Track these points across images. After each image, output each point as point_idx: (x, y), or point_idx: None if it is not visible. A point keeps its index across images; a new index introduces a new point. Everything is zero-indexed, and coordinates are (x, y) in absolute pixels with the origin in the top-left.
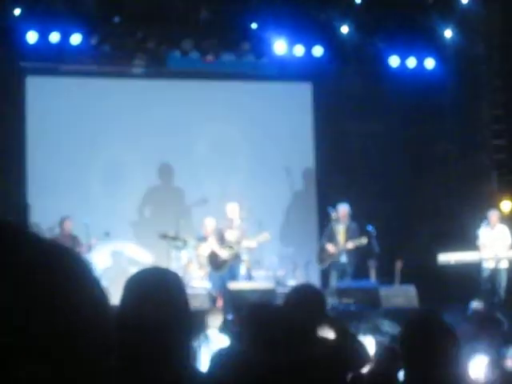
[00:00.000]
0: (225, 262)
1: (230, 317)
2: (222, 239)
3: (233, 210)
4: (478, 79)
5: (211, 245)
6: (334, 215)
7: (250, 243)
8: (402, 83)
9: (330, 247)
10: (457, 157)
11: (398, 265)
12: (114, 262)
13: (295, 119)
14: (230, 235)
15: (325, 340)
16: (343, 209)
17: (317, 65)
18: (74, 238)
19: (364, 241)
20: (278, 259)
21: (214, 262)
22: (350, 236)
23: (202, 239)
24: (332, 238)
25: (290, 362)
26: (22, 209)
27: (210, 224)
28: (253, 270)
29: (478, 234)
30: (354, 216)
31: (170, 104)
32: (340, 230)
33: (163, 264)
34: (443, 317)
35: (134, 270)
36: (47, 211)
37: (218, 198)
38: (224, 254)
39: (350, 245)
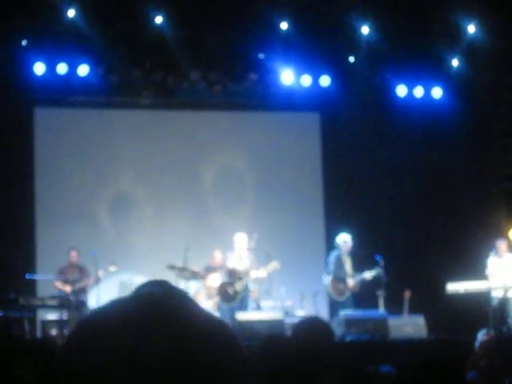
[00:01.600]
0: (236, 295)
1: None
2: (231, 271)
3: (241, 240)
4: (485, 108)
5: (221, 277)
6: (342, 246)
7: (260, 273)
8: (410, 112)
9: (351, 282)
10: (465, 185)
11: (407, 294)
12: (121, 294)
13: (303, 149)
14: (240, 266)
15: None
16: (348, 239)
17: (324, 95)
18: (81, 269)
19: (377, 271)
20: (285, 289)
21: (225, 294)
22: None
23: (210, 270)
24: (341, 268)
25: None
26: (30, 241)
27: (218, 256)
28: (261, 301)
29: (487, 263)
30: (363, 245)
31: (177, 135)
32: (346, 261)
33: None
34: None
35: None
36: (55, 241)
37: (226, 228)
38: (235, 287)
39: (368, 275)
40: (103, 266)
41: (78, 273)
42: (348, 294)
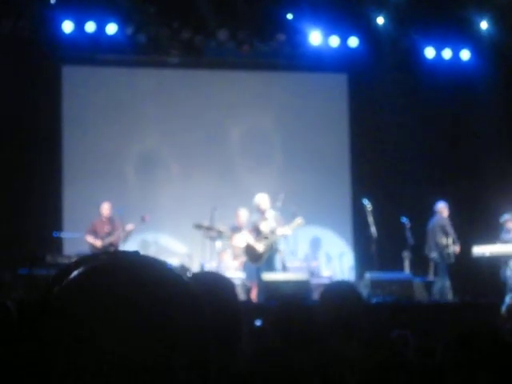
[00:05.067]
0: (262, 254)
1: (258, 323)
2: (257, 231)
3: (263, 200)
4: None
5: (247, 238)
6: (368, 206)
7: (284, 230)
8: (438, 74)
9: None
10: (494, 150)
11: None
12: (145, 252)
13: (330, 110)
14: (264, 226)
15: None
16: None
17: (352, 56)
18: (112, 222)
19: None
20: (312, 250)
21: (252, 255)
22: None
23: (236, 229)
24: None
25: (320, 360)
26: (57, 199)
27: (242, 214)
28: (287, 261)
29: None
30: (389, 207)
31: (205, 94)
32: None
33: (197, 254)
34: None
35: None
36: (82, 199)
37: (253, 188)
38: (260, 247)
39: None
40: (132, 221)
41: (109, 226)
42: None
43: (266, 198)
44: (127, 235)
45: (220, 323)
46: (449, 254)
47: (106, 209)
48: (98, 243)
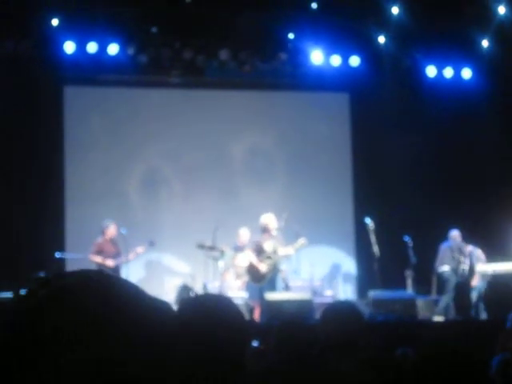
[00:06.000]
0: (265, 274)
1: (255, 343)
2: (260, 250)
3: (269, 220)
4: None
5: (249, 257)
6: (370, 225)
7: (287, 250)
8: (440, 93)
9: None
10: (495, 166)
11: (435, 275)
12: (148, 273)
13: (332, 130)
14: (268, 246)
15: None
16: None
17: (354, 75)
18: (116, 243)
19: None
20: (314, 269)
21: (254, 275)
22: None
23: (238, 249)
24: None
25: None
26: (59, 220)
27: (244, 234)
28: (290, 280)
29: None
30: (391, 226)
31: (206, 114)
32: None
33: (200, 273)
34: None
35: (170, 281)
36: (84, 220)
37: (255, 207)
38: (263, 267)
39: None
40: (133, 245)
41: (116, 247)
42: None
43: (273, 218)
44: (135, 257)
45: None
46: (463, 269)
47: (113, 230)
48: (110, 263)
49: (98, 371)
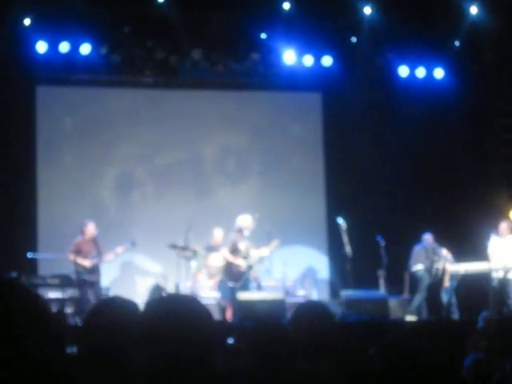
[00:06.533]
0: (243, 273)
1: (230, 341)
2: (235, 250)
3: (246, 221)
4: (487, 89)
5: (227, 256)
6: (343, 225)
7: (262, 252)
8: (412, 93)
9: None
10: (467, 166)
11: (407, 275)
12: (121, 273)
13: (305, 130)
14: (243, 246)
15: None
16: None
17: (326, 75)
18: (96, 242)
19: None
20: (287, 269)
21: (231, 273)
22: None
23: (211, 249)
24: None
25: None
26: (32, 220)
27: (218, 234)
28: (262, 280)
29: (488, 244)
30: (364, 226)
31: (179, 114)
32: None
33: (172, 274)
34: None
35: (143, 281)
36: (57, 220)
37: (228, 208)
38: (242, 264)
39: None
40: (104, 245)
41: (95, 247)
42: None
43: (248, 220)
44: (113, 258)
45: (193, 346)
46: (437, 269)
47: (92, 228)
48: (87, 263)
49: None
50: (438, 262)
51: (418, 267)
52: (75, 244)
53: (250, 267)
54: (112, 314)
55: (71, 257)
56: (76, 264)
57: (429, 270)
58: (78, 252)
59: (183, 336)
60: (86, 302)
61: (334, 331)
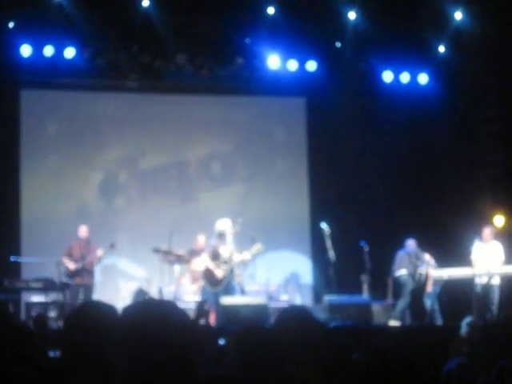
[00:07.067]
0: (221, 280)
1: (221, 341)
2: (216, 255)
3: (225, 225)
4: (472, 94)
5: (206, 262)
6: (326, 230)
7: (244, 256)
8: (396, 98)
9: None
10: (451, 172)
11: (391, 280)
12: (104, 277)
13: (289, 134)
14: (224, 251)
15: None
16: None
17: (310, 80)
18: (88, 244)
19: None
20: (270, 274)
21: (210, 279)
22: None
23: (194, 253)
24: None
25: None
26: (15, 223)
27: (201, 239)
28: (246, 285)
29: (472, 250)
30: (347, 231)
31: (164, 118)
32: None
33: (156, 278)
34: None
35: (126, 285)
36: (41, 224)
37: (212, 213)
38: (220, 272)
39: None
40: (100, 247)
41: (84, 249)
42: None
43: (227, 223)
44: (98, 261)
45: (169, 349)
46: (420, 275)
47: (82, 231)
48: (71, 266)
49: None
50: (420, 267)
51: (402, 272)
52: (68, 247)
53: (230, 271)
54: (90, 318)
55: (63, 259)
56: (65, 267)
57: (412, 275)
58: (70, 255)
59: (160, 339)
60: (70, 305)
61: (318, 336)
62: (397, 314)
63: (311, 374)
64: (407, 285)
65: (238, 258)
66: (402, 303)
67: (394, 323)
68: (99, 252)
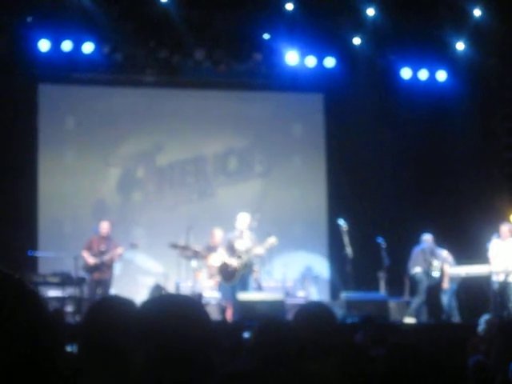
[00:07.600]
0: (235, 271)
1: (246, 334)
2: (231, 249)
3: (243, 220)
4: (489, 92)
5: (221, 255)
6: (344, 226)
7: (257, 250)
8: (414, 95)
9: None
10: (469, 169)
11: (407, 277)
12: (122, 272)
13: (307, 131)
14: (240, 245)
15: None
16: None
17: (328, 76)
18: (109, 240)
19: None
20: (287, 270)
21: (225, 273)
22: None
23: (211, 249)
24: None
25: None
26: (33, 218)
27: (218, 234)
28: (263, 281)
29: (489, 247)
30: (365, 227)
31: (181, 113)
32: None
33: (173, 273)
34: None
35: (144, 280)
36: (58, 218)
37: (229, 208)
38: (234, 263)
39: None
40: (122, 245)
41: (105, 245)
42: None
43: (245, 218)
44: (118, 258)
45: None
46: (435, 271)
47: (103, 228)
48: (91, 260)
49: None
50: (436, 263)
51: (416, 270)
52: (88, 240)
53: (244, 265)
54: (109, 313)
55: (83, 252)
56: (84, 261)
57: (427, 272)
58: (89, 249)
59: (178, 334)
60: (87, 300)
61: (335, 333)
62: (412, 312)
63: (328, 370)
64: (422, 282)
65: (252, 252)
66: (417, 301)
67: (409, 320)
68: (119, 249)
